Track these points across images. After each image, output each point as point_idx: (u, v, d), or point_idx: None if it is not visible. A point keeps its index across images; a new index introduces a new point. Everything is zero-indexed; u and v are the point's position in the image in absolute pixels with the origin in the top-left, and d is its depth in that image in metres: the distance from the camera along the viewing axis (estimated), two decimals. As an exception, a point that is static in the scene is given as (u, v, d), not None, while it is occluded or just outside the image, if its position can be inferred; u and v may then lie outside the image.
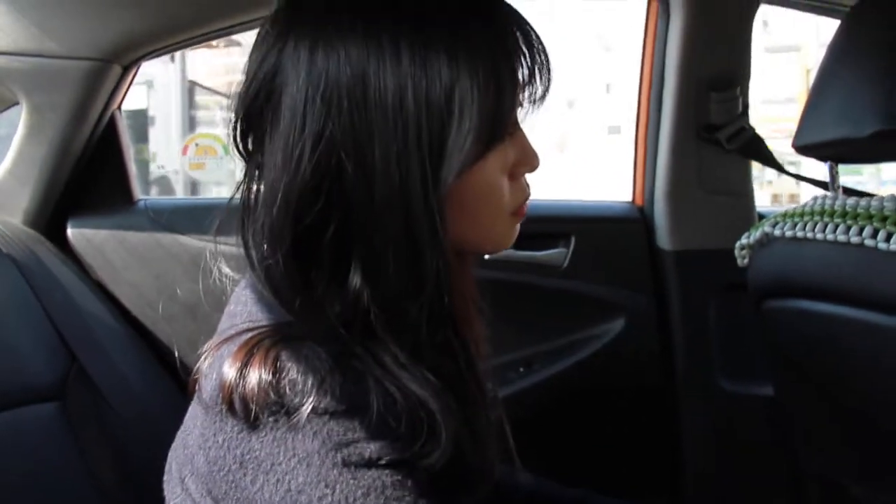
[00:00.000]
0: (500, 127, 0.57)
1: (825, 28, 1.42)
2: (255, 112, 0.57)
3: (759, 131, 1.36)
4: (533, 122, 0.62)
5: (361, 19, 0.54)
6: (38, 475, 0.95)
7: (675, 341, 1.39)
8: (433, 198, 0.53)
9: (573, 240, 1.39)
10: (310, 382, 0.50)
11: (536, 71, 0.59)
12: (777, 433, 1.27)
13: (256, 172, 0.58)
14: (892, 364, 0.79)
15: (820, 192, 0.97)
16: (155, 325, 1.32)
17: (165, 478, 0.62)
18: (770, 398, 1.13)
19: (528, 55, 0.58)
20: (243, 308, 0.60)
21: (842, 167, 0.95)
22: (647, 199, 1.44)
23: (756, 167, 1.44)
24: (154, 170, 5.46)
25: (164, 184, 5.29)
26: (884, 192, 0.83)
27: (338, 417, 0.50)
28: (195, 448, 0.55)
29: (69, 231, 1.35)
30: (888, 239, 0.75)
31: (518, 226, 0.64)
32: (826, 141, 0.86)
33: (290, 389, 0.50)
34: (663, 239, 1.40)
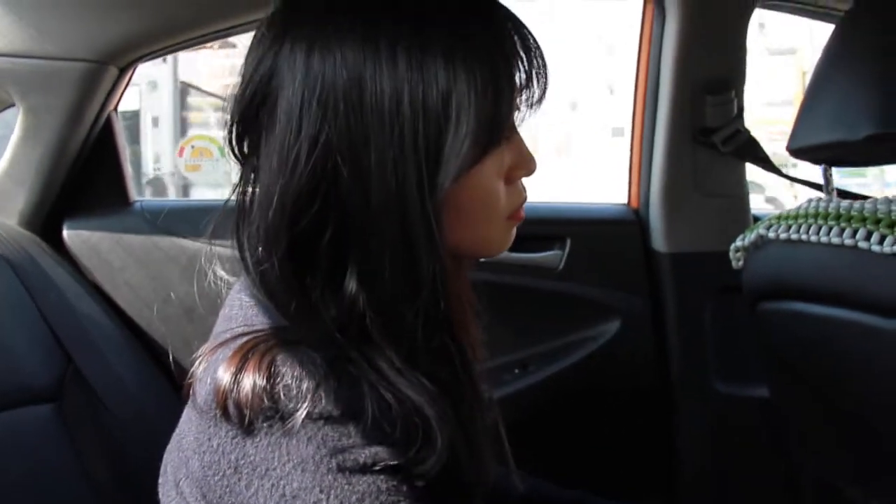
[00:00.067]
0: (497, 131, 0.57)
1: (819, 32, 1.42)
2: (250, 115, 0.57)
3: (759, 134, 1.36)
4: (535, 124, 0.62)
5: (361, 21, 0.53)
6: (34, 476, 0.94)
7: (671, 343, 1.39)
8: (429, 202, 0.53)
9: (568, 242, 1.40)
10: (304, 387, 0.50)
11: (534, 74, 0.58)
12: (772, 435, 1.27)
13: (252, 175, 0.58)
14: (886, 366, 0.79)
15: (815, 194, 0.98)
16: (150, 327, 1.32)
17: (160, 480, 0.61)
18: (765, 400, 1.13)
19: (525, 59, 0.58)
20: (238, 311, 0.60)
21: (846, 169, 0.95)
22: (643, 202, 1.44)
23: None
24: (146, 171, 5.44)
25: (158, 185, 5.27)
26: (888, 193, 0.83)
27: (333, 423, 0.50)
28: (190, 452, 0.55)
29: (65, 232, 1.35)
30: (882, 241, 0.75)
31: (514, 230, 0.64)
32: (820, 144, 0.86)
33: (284, 395, 0.50)
34: (659, 241, 1.40)
